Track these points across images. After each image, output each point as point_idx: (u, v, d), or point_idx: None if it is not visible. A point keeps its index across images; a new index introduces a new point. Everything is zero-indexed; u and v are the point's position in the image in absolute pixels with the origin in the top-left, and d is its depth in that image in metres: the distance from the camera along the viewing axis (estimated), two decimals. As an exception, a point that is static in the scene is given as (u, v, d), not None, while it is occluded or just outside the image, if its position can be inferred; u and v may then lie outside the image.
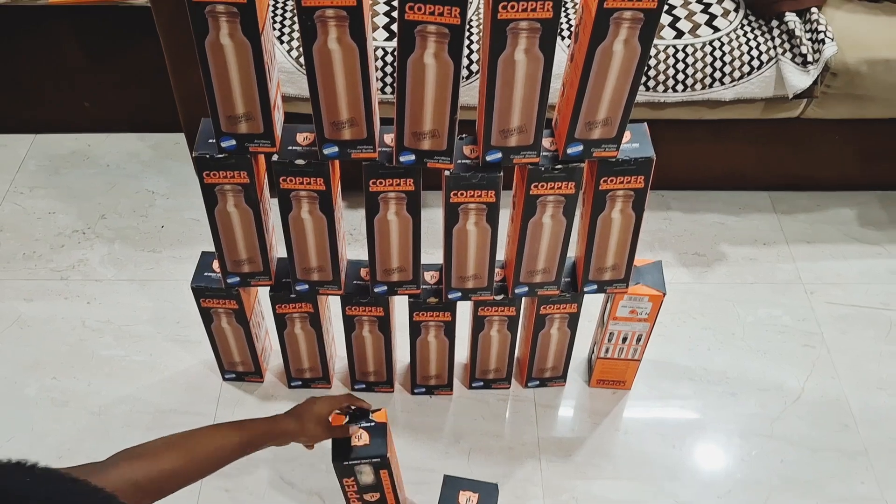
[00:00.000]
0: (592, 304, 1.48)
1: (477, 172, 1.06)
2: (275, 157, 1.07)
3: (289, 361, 1.41)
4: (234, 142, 1.05)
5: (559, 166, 1.06)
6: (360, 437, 1.10)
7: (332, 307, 1.44)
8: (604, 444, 1.40)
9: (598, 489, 1.34)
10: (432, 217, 1.68)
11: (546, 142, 1.09)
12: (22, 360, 1.49)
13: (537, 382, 1.47)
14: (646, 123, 1.12)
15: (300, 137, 1.09)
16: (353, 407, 1.10)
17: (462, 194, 1.08)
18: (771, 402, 1.46)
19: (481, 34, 1.53)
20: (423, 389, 1.45)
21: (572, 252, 1.29)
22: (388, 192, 1.09)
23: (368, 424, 1.10)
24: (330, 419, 1.08)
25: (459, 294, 1.25)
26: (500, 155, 1.05)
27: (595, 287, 1.26)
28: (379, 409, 1.12)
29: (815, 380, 1.50)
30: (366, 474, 1.11)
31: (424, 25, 0.89)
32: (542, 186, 1.09)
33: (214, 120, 1.03)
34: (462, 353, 1.47)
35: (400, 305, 1.39)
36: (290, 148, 1.08)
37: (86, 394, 1.45)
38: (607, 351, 1.39)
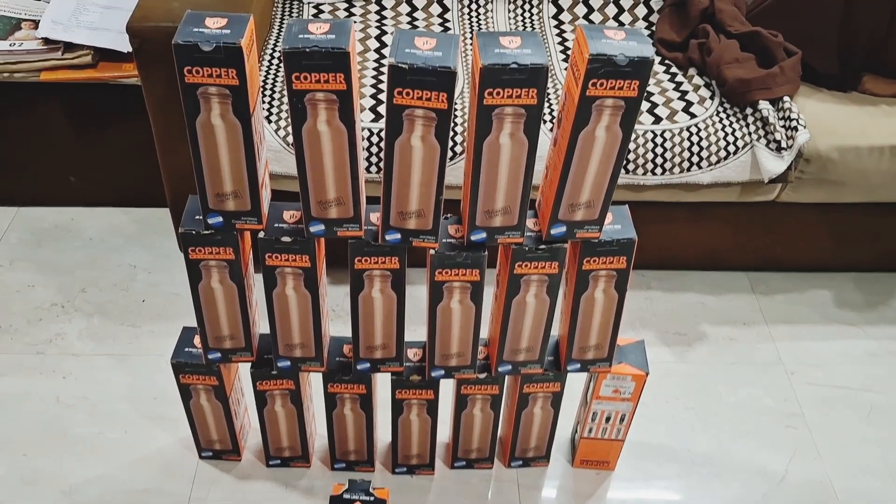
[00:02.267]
0: (576, 382, 1.48)
1: (462, 252, 1.07)
2: (261, 234, 1.07)
3: (268, 439, 1.38)
4: (220, 218, 1.06)
5: (543, 247, 1.08)
6: None
7: (313, 384, 1.42)
8: (588, 528, 1.38)
9: (583, 575, 1.31)
10: (416, 294, 1.68)
11: (530, 222, 1.11)
12: (-8, 437, 1.46)
13: (520, 462, 1.45)
14: (627, 206, 1.14)
15: (287, 215, 1.10)
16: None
17: (447, 273, 1.09)
18: (755, 484, 1.45)
19: (466, 118, 1.57)
20: (405, 469, 1.43)
21: (556, 331, 1.29)
22: (374, 269, 1.10)
23: (368, 499, 1.07)
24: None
25: (443, 372, 1.24)
26: (484, 235, 1.06)
27: (578, 366, 1.26)
28: (382, 489, 1.10)
29: (798, 462, 1.49)
30: None
31: (412, 110, 0.92)
32: (526, 266, 1.10)
33: (202, 197, 1.04)
34: (444, 433, 1.46)
35: (382, 383, 1.38)
36: (276, 225, 1.09)
37: (57, 473, 1.41)
38: (591, 431, 1.38)
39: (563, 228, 1.07)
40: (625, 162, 1.55)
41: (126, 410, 1.52)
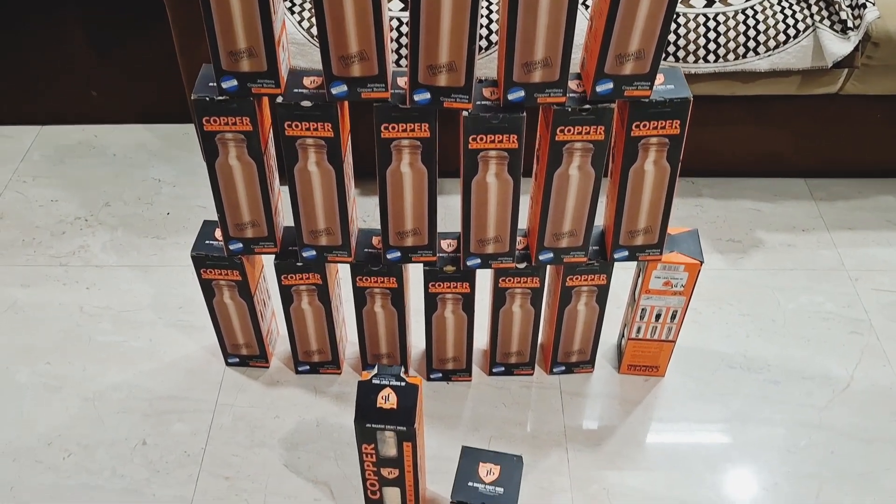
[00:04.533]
0: (622, 288, 1.38)
1: (498, 113, 0.97)
2: (279, 99, 0.99)
3: (296, 343, 1.31)
4: (235, 82, 0.98)
5: (587, 107, 0.98)
6: (388, 399, 0.99)
7: (342, 284, 1.34)
8: (636, 434, 1.28)
9: (632, 481, 1.22)
10: (449, 203, 1.59)
11: (573, 84, 1.01)
12: (15, 346, 1.41)
13: (563, 368, 1.36)
14: (680, 67, 1.03)
15: (307, 81, 1.01)
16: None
17: (482, 139, 1.00)
18: (818, 390, 1.34)
19: None
20: (440, 375, 1.35)
21: (600, 221, 1.20)
22: (402, 139, 1.01)
23: (399, 384, 0.99)
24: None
25: (479, 261, 1.15)
26: (522, 93, 0.96)
27: (626, 254, 1.16)
28: (414, 376, 1.02)
29: (864, 368, 1.38)
30: (388, 444, 1.00)
31: (440, -66, 0.82)
32: (569, 131, 1.00)
33: (215, 58, 0.96)
34: (481, 340, 1.38)
35: (415, 282, 1.30)
36: (295, 90, 1.00)
37: (80, 380, 1.36)
38: (639, 330, 1.29)
39: (610, 85, 0.96)
40: (674, 48, 1.43)
41: (151, 319, 1.46)
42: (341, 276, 1.33)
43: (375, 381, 1.00)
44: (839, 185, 1.73)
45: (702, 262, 1.17)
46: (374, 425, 0.98)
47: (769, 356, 1.40)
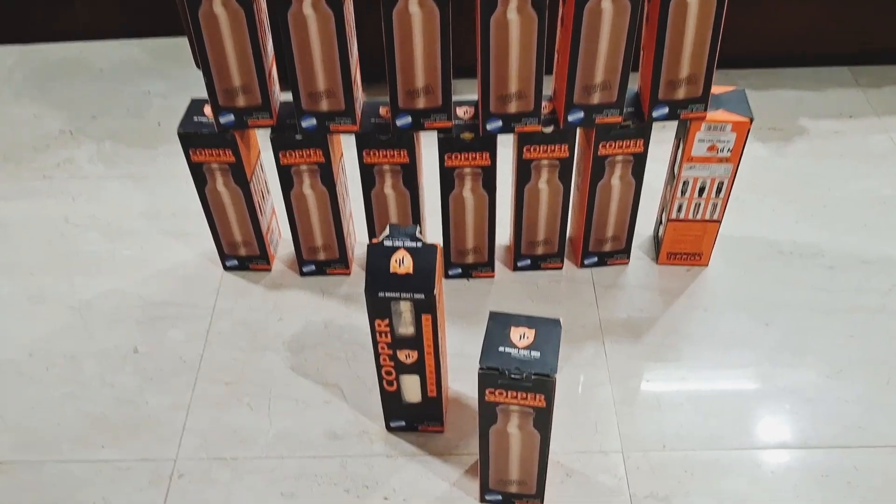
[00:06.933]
0: (657, 178, 1.24)
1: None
2: (266, -78, 0.86)
3: (299, 238, 1.19)
4: None
5: (623, -86, 0.84)
6: (402, 262, 0.85)
7: (348, 174, 1.22)
8: (681, 325, 1.16)
9: (676, 372, 1.09)
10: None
11: None
12: (-5, 259, 1.30)
13: (595, 259, 1.23)
14: None
15: None
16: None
17: (501, -39, 0.86)
18: (878, 275, 1.21)
19: None
20: (459, 270, 1.22)
21: (634, 84, 1.06)
22: (409, -33, 0.88)
23: (414, 244, 0.85)
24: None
25: (500, 123, 1.02)
26: None
27: (666, 111, 1.03)
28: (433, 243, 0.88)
29: (929, 251, 1.25)
30: (404, 320, 0.87)
31: None
32: (602, -51, 0.87)
33: None
34: (504, 236, 1.25)
35: (428, 171, 1.17)
36: (285, -86, 0.87)
37: (66, 290, 1.24)
38: (680, 209, 1.16)
39: None
40: None
41: (142, 227, 1.34)
42: (346, 161, 1.20)
43: (388, 244, 0.87)
44: (885, 71, 1.59)
45: (752, 120, 1.04)
46: (387, 294, 0.85)
47: (821, 242, 1.27)
